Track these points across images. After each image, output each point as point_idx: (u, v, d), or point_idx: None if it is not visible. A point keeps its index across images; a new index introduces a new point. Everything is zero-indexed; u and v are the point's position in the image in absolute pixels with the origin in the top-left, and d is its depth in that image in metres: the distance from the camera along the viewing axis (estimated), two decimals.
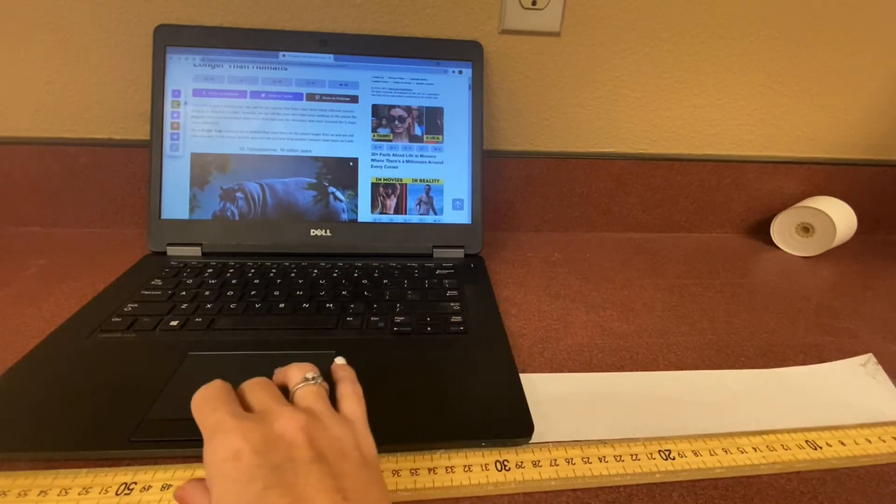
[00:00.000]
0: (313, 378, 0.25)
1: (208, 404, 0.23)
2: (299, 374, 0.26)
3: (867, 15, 0.59)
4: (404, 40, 0.53)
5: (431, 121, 0.53)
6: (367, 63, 0.52)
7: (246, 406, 0.24)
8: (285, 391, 0.25)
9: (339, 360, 0.29)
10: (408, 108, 0.52)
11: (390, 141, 0.52)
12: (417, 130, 0.53)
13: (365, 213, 0.52)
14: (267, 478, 0.19)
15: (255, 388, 0.24)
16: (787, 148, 0.67)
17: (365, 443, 0.23)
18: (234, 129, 0.50)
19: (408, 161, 0.53)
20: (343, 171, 0.52)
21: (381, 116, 0.52)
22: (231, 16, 0.53)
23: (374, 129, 0.52)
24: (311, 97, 0.51)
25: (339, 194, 0.51)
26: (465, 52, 0.53)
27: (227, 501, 0.19)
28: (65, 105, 0.55)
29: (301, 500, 0.18)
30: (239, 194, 0.50)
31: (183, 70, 0.49)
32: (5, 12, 0.51)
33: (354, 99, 0.52)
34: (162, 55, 0.49)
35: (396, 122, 0.52)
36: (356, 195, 0.52)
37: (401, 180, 0.53)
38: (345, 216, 0.52)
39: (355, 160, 0.52)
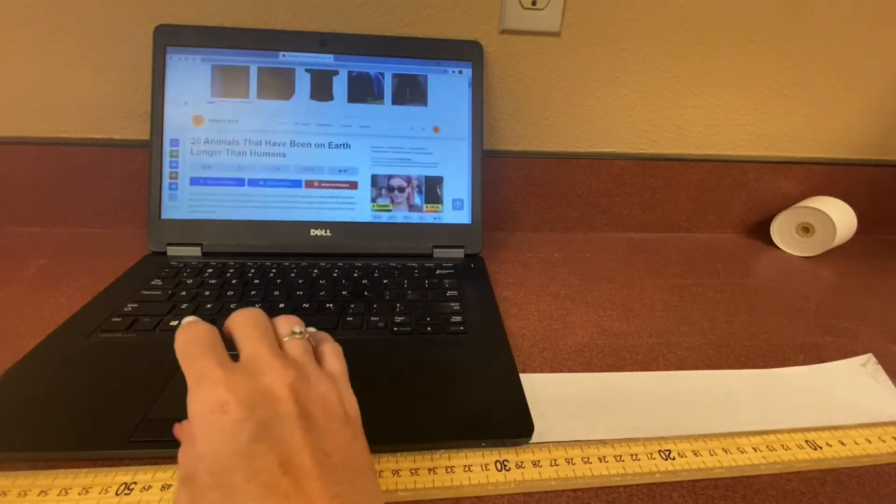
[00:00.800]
0: (300, 332, 0.25)
1: (194, 348, 0.22)
2: (287, 327, 0.25)
3: (866, 16, 0.59)
4: (404, 40, 0.53)
5: (431, 190, 0.53)
6: (367, 63, 0.52)
7: (232, 344, 0.23)
8: None
9: (311, 329, 0.29)
10: (408, 179, 0.52)
11: (389, 211, 0.52)
12: (417, 199, 0.53)
13: (365, 213, 0.52)
14: (253, 431, 0.19)
15: (246, 326, 0.24)
16: (787, 148, 0.67)
17: (347, 399, 0.24)
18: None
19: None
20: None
21: (381, 186, 0.52)
22: (231, 16, 0.53)
23: (373, 200, 0.52)
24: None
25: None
26: (465, 52, 0.53)
27: (213, 451, 0.19)
28: (65, 105, 0.55)
29: (286, 454, 0.19)
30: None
31: (183, 70, 0.49)
32: (5, 12, 0.51)
33: None
34: (162, 55, 0.49)
35: (396, 192, 0.52)
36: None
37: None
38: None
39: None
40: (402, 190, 0.52)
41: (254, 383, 0.21)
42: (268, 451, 0.18)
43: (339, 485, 0.19)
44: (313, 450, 0.19)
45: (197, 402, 0.20)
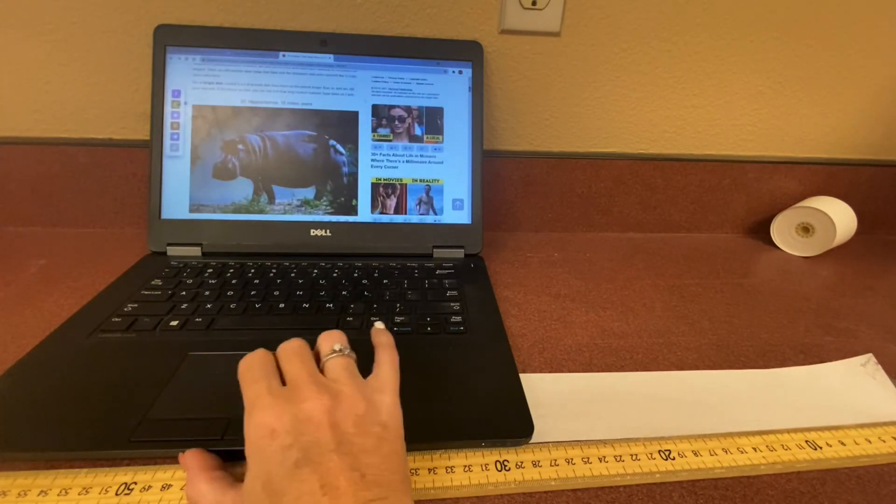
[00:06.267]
0: (341, 349, 0.27)
1: (250, 373, 0.25)
2: (328, 345, 0.27)
3: (867, 15, 0.59)
4: (404, 40, 0.53)
5: (431, 121, 0.53)
6: (367, 63, 0.52)
7: (283, 371, 0.26)
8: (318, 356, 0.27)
9: (379, 325, 0.31)
10: (408, 108, 0.52)
11: (390, 141, 0.52)
12: (417, 130, 0.53)
13: (365, 213, 0.52)
14: (298, 457, 0.21)
15: (291, 358, 0.26)
16: (787, 148, 0.67)
17: (387, 414, 0.25)
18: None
19: (408, 161, 0.53)
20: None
21: (381, 116, 0.52)
22: (231, 16, 0.53)
23: (373, 129, 0.52)
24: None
25: (339, 147, 0.51)
26: (465, 52, 0.53)
27: (266, 472, 0.21)
28: (65, 105, 0.55)
29: (326, 477, 0.21)
30: (240, 146, 0.50)
31: (183, 70, 0.49)
32: (5, 12, 0.51)
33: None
34: (162, 55, 0.49)
35: (396, 122, 0.52)
36: (356, 149, 0.52)
37: (401, 180, 0.53)
38: (346, 169, 0.52)
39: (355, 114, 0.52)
40: (402, 120, 0.52)
41: (296, 410, 0.23)
42: (311, 475, 0.21)
43: (371, 502, 0.21)
44: (349, 472, 0.21)
45: (250, 427, 0.23)
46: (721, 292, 0.51)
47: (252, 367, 0.25)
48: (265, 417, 0.23)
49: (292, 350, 0.27)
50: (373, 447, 0.23)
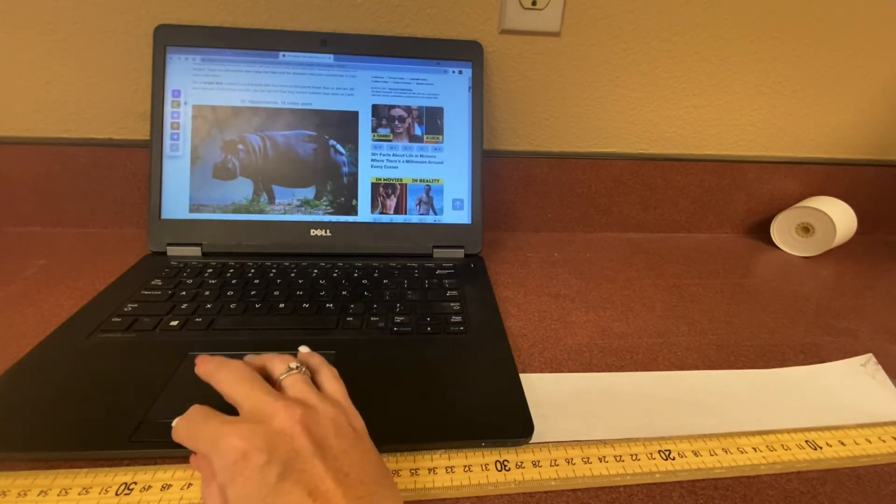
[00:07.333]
0: (296, 367, 0.27)
1: (194, 425, 0.23)
2: (283, 365, 0.27)
3: (867, 16, 0.59)
4: (404, 40, 0.53)
5: (431, 121, 0.53)
6: (367, 63, 0.52)
7: (232, 400, 0.25)
8: (266, 377, 0.27)
9: (304, 349, 0.30)
10: (408, 108, 0.52)
11: (390, 141, 0.52)
12: (417, 130, 0.53)
13: (365, 213, 0.52)
14: (279, 471, 0.21)
15: (236, 383, 0.25)
16: (787, 148, 0.67)
17: (353, 417, 0.25)
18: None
19: (408, 161, 0.53)
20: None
21: (381, 116, 0.52)
22: (231, 16, 0.53)
23: (373, 130, 0.52)
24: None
25: (339, 147, 0.51)
26: (465, 52, 0.53)
27: (245, 497, 0.20)
28: (65, 105, 0.55)
29: (312, 484, 0.21)
30: (240, 146, 0.50)
31: (183, 70, 0.49)
32: (5, 12, 0.51)
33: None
34: (162, 55, 0.49)
35: (396, 123, 0.52)
36: (356, 149, 0.52)
37: (401, 180, 0.53)
38: (346, 169, 0.52)
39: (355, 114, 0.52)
40: (402, 120, 0.52)
41: (266, 428, 0.22)
42: (295, 486, 0.20)
43: (361, 499, 0.21)
44: (334, 473, 0.21)
45: (218, 459, 0.22)
46: (721, 292, 0.51)
47: (192, 420, 0.24)
48: (232, 442, 0.21)
49: (234, 374, 0.25)
50: (350, 447, 0.23)
